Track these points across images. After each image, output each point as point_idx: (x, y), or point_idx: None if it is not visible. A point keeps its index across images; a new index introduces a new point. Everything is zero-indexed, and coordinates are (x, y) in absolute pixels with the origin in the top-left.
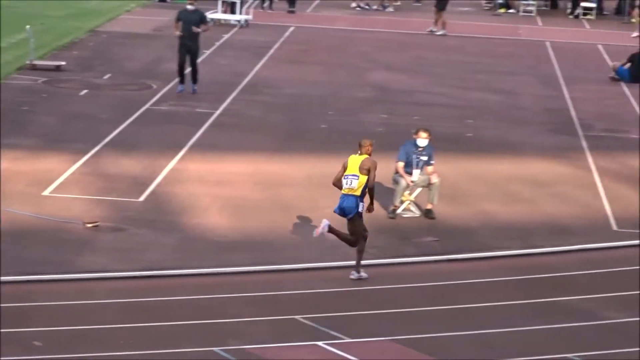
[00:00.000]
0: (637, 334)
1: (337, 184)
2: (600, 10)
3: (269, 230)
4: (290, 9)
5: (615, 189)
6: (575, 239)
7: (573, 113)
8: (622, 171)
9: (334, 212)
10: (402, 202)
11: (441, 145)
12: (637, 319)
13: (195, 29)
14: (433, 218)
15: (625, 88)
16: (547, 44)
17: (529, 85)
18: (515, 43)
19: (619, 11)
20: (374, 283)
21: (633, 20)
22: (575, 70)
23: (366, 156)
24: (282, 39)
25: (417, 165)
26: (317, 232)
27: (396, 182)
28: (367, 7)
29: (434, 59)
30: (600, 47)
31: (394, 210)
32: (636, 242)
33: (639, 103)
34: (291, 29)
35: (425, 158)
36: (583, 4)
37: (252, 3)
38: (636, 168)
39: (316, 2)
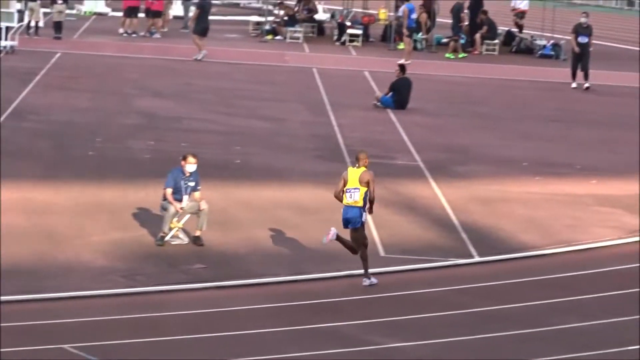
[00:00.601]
0: (402, 358)
1: (338, 196)
2: (366, 37)
3: (36, 259)
4: (57, 35)
5: (382, 215)
6: (343, 265)
7: (340, 139)
8: (389, 197)
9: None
10: (170, 229)
11: (209, 171)
12: (402, 344)
13: None
14: (202, 245)
15: (391, 114)
16: (314, 70)
17: (296, 111)
18: (282, 70)
19: (384, 38)
20: (142, 311)
21: (399, 47)
22: (342, 97)
23: (364, 169)
24: (48, 65)
25: (186, 191)
26: (327, 239)
27: (164, 208)
28: (134, 33)
29: (201, 86)
30: (366, 73)
31: (163, 238)
32: (403, 267)
33: (405, 129)
34: (58, 55)
35: (192, 184)
36: (349, 31)
37: (18, 29)
38: (403, 194)
39: (83, 28)
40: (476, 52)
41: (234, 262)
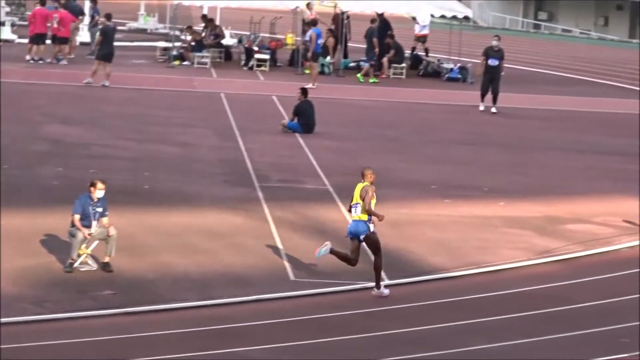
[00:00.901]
0: None
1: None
2: (274, 61)
3: None
4: None
5: (291, 239)
6: (253, 290)
7: (249, 164)
8: (298, 221)
9: (347, 236)
10: (79, 255)
11: (118, 197)
12: None
13: None
14: (111, 271)
15: (299, 139)
16: (222, 95)
17: (204, 137)
18: (190, 95)
19: (292, 62)
20: (51, 338)
21: (307, 71)
22: (251, 122)
23: (366, 184)
24: None
25: (94, 217)
26: (322, 252)
27: (73, 235)
28: (41, 60)
29: (109, 112)
30: (274, 98)
31: (71, 264)
32: (313, 291)
33: (313, 153)
34: None
35: (100, 210)
36: (257, 56)
37: None
38: (313, 218)
39: None
40: (384, 76)
41: (143, 287)
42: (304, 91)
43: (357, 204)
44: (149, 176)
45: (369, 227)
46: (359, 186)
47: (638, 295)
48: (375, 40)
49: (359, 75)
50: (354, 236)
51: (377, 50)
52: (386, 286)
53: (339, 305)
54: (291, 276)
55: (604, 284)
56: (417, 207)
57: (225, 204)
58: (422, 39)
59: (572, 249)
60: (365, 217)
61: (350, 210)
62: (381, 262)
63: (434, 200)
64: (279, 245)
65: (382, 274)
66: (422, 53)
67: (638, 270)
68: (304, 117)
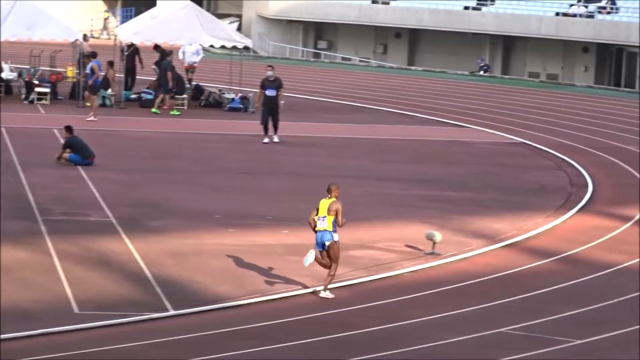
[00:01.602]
0: None
1: (311, 222)
2: (54, 95)
3: None
4: None
5: (75, 272)
6: (38, 324)
7: (31, 198)
8: (82, 254)
9: (316, 249)
10: None
11: None
12: None
13: None
14: None
15: (82, 171)
16: (3, 129)
17: None
18: None
19: (73, 95)
20: None
21: (88, 104)
22: (33, 155)
23: (333, 199)
24: None
25: None
26: (303, 259)
27: None
28: None
29: None
30: (56, 131)
31: None
32: (98, 323)
33: (96, 186)
34: None
35: None
36: (37, 89)
37: None
38: (96, 250)
39: None
40: (166, 107)
41: None
42: (68, 128)
43: (324, 217)
44: None
45: (332, 236)
46: (325, 201)
47: (421, 319)
48: (169, 73)
49: (173, 111)
50: (322, 246)
51: (170, 82)
52: (171, 316)
53: (126, 337)
54: (75, 309)
55: (388, 308)
56: (202, 237)
57: (8, 238)
58: (191, 69)
59: (356, 275)
60: (330, 228)
61: (313, 222)
62: (336, 270)
63: (218, 229)
64: (63, 278)
65: (167, 303)
66: (194, 83)
67: (420, 294)
68: (80, 150)
